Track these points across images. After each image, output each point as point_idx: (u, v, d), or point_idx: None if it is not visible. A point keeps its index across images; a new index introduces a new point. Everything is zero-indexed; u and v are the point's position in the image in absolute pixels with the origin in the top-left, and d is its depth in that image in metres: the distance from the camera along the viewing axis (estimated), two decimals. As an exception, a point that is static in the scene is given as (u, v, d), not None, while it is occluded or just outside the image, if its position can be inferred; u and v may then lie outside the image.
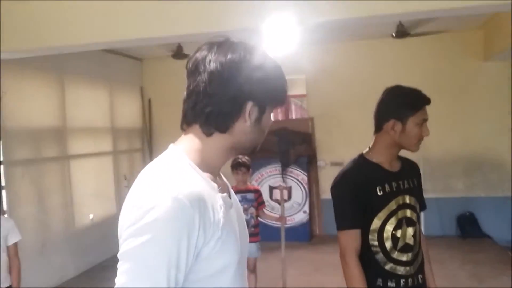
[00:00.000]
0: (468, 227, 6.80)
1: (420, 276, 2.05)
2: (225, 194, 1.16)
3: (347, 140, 6.51)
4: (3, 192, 4.94)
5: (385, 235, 1.98)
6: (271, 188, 6.83)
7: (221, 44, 1.15)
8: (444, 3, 3.26)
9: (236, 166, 4.42)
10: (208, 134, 1.15)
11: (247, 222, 4.37)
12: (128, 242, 0.99)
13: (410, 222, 2.02)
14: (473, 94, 6.84)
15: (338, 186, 2.05)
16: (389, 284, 1.96)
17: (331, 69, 7.03)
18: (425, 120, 2.01)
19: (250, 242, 4.37)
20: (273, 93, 1.19)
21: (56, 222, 5.82)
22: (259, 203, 4.52)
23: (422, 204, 2.18)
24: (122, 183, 7.08)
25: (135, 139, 7.81)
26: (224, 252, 1.08)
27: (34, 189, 5.41)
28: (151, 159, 7.58)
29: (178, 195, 1.00)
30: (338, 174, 2.09)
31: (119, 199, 6.91)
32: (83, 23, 4.19)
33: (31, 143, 5.46)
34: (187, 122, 1.19)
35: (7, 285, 3.11)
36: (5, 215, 4.80)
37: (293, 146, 6.94)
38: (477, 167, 6.90)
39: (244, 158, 4.53)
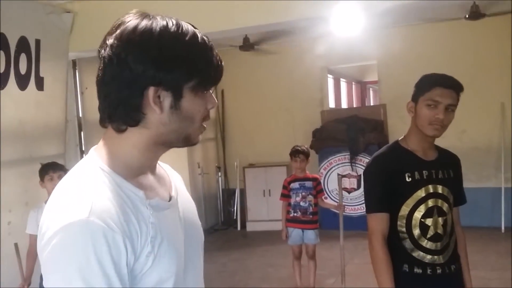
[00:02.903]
0: None
1: (453, 267, 2.01)
2: (155, 199, 1.00)
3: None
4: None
5: (413, 222, 1.98)
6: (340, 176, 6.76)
7: (119, 25, 0.96)
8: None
9: (294, 153, 4.48)
10: (119, 130, 0.98)
11: (305, 209, 4.45)
12: (45, 274, 0.88)
13: (441, 212, 1.99)
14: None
15: (368, 170, 2.09)
16: (415, 270, 1.96)
17: (403, 53, 6.81)
18: (436, 101, 1.92)
19: (308, 229, 4.48)
20: (190, 73, 0.95)
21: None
22: (317, 191, 4.55)
23: (461, 198, 2.13)
24: (196, 170, 7.49)
25: (208, 128, 8.10)
26: (158, 267, 0.94)
27: (114, 176, 5.85)
28: (223, 147, 7.93)
29: (87, 216, 0.86)
30: (371, 158, 2.13)
31: (194, 185, 7.33)
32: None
33: (111, 133, 5.90)
34: (103, 119, 1.00)
35: None
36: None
37: (362, 134, 6.80)
38: None
39: (303, 146, 4.58)
